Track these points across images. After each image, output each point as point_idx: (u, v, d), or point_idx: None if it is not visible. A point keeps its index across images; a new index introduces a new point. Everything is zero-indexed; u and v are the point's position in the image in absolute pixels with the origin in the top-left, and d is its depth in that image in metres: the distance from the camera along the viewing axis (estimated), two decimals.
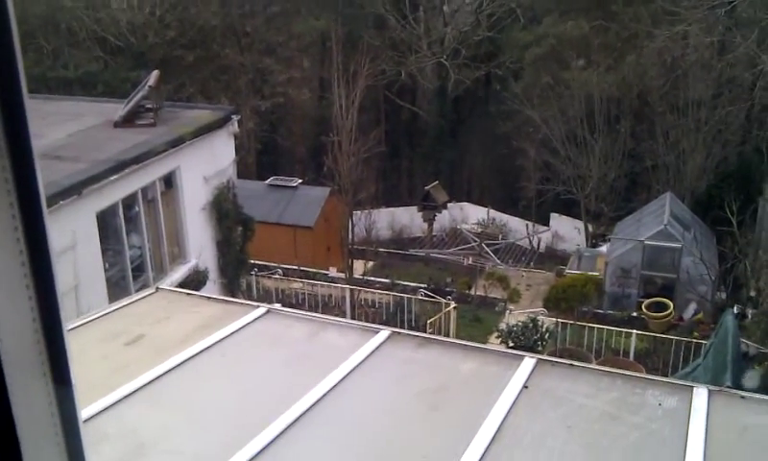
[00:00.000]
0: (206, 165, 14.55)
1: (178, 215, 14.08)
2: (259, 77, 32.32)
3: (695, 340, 16.08)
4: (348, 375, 4.59)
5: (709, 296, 19.03)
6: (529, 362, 4.70)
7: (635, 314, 19.07)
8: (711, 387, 4.46)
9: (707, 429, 3.96)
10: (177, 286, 11.84)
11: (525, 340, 16.13)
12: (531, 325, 16.54)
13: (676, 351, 15.97)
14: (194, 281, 13.75)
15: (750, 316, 16.72)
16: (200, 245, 14.47)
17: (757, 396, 4.57)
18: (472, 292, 21.16)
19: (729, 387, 8.09)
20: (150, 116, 14.33)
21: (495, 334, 17.38)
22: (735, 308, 16.59)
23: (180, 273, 13.94)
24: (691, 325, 18.23)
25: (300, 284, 20.66)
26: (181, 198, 14.01)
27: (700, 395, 4.31)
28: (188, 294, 6.60)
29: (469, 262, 24.78)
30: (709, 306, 18.80)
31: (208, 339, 5.13)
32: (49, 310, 1.25)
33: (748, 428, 4.11)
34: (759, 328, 14.68)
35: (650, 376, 5.18)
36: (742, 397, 4.42)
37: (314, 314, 6.38)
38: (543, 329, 16.61)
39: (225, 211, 15.08)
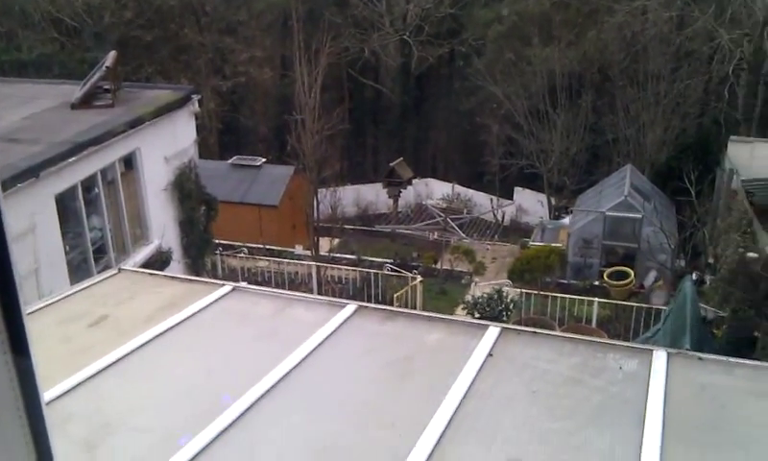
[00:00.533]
0: (167, 145, 14.35)
1: (139, 196, 13.89)
2: (219, 56, 31.80)
3: (655, 306, 16.44)
4: (315, 348, 4.62)
5: (669, 264, 19.42)
6: (494, 331, 4.77)
7: (597, 283, 19.39)
8: (670, 350, 4.58)
9: (666, 390, 4.08)
10: (140, 267, 11.70)
11: (490, 311, 16.34)
12: (496, 296, 16.75)
13: (637, 318, 16.32)
14: (157, 262, 13.62)
15: (708, 282, 17.11)
16: (162, 225, 14.31)
17: (714, 357, 4.70)
18: (438, 266, 21.29)
19: (687, 350, 8.30)
20: (108, 97, 14.05)
21: (461, 306, 17.56)
22: (694, 275, 16.96)
23: (142, 254, 13.78)
24: (652, 292, 18.61)
25: (266, 262, 20.56)
26: (142, 179, 13.81)
27: (659, 358, 4.43)
28: (151, 274, 6.54)
29: (435, 237, 24.91)
30: (669, 274, 19.20)
31: (173, 318, 5.10)
32: (5, 287, 1.24)
33: (705, 388, 4.24)
34: (717, 294, 15.03)
35: (611, 341, 5.30)
36: (700, 358, 4.55)
37: (280, 291, 6.37)
38: (508, 300, 16.84)
39: (187, 191, 14.92)
